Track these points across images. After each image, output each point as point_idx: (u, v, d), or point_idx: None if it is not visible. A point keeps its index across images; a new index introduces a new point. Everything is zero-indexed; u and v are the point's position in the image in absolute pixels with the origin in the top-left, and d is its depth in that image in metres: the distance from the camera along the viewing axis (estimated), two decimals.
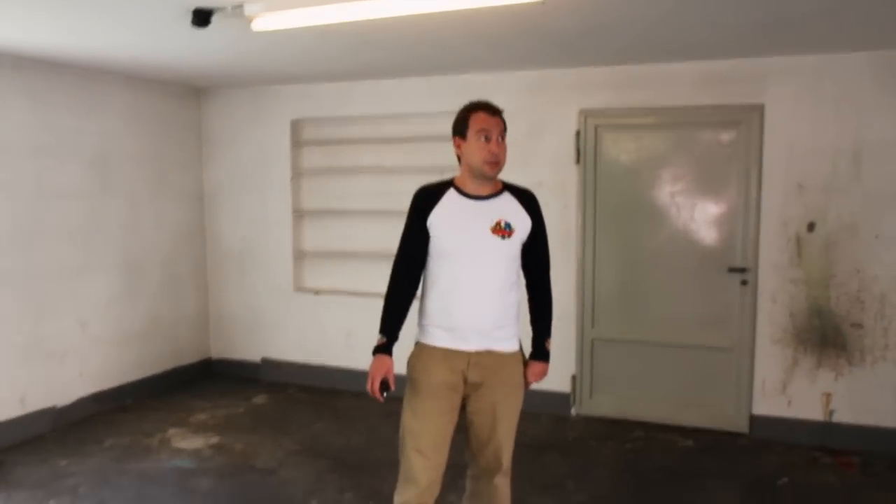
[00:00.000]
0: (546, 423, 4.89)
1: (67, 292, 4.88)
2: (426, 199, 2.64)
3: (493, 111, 2.62)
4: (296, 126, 5.73)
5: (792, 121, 4.38)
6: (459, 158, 2.67)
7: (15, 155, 4.49)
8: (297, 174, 5.75)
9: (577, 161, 4.85)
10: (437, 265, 2.64)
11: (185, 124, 5.83)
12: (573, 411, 5.04)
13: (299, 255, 5.78)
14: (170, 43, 3.98)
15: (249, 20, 3.14)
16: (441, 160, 5.05)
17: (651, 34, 3.81)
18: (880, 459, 4.22)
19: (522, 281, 2.75)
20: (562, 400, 5.04)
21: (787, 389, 4.51)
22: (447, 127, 5.23)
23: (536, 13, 3.14)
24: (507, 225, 2.60)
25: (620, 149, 4.81)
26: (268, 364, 5.93)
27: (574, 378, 5.01)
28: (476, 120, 2.59)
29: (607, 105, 4.77)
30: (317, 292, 5.68)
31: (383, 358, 2.57)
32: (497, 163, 2.57)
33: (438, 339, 2.62)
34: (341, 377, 5.50)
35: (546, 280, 2.81)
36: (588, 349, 4.96)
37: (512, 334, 2.66)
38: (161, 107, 5.57)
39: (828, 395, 4.43)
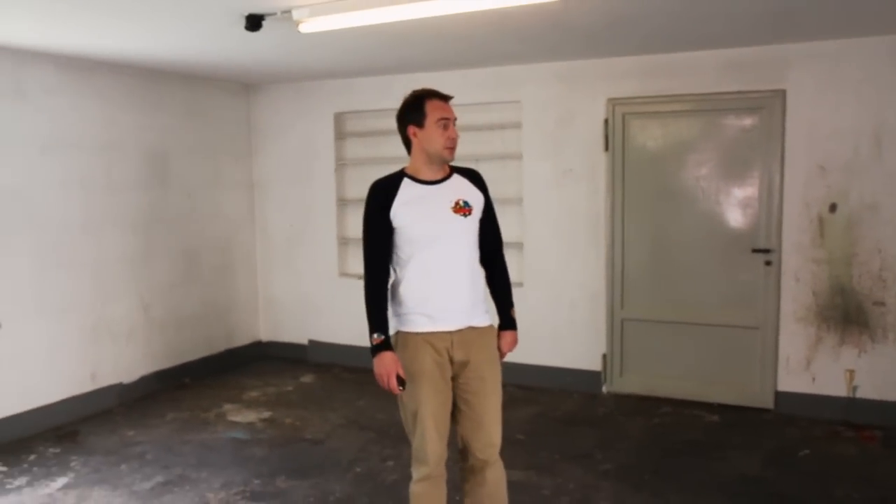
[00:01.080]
0: (578, 400, 5.13)
1: (132, 277, 5.28)
2: (384, 192, 2.68)
3: (446, 98, 2.70)
4: (338, 119, 6.04)
5: (813, 105, 4.52)
6: (408, 147, 2.73)
7: (86, 151, 4.90)
8: (341, 164, 6.07)
9: (606, 148, 5.05)
10: (406, 254, 2.69)
11: (236, 119, 6.19)
12: (604, 389, 5.26)
13: (343, 242, 6.09)
14: (223, 45, 4.32)
15: (297, 23, 3.44)
16: (477, 149, 5.35)
17: (673, 24, 4.00)
18: None
19: None
20: (593, 378, 5.26)
21: (812, 366, 4.67)
22: (482, 117, 5.56)
23: (559, 10, 3.36)
24: (466, 203, 2.70)
25: (647, 135, 5.00)
26: (314, 345, 6.27)
27: (605, 357, 5.23)
28: (434, 108, 2.65)
29: (634, 93, 4.96)
30: (360, 277, 5.97)
31: (388, 355, 2.63)
32: (455, 148, 2.69)
33: (420, 325, 2.69)
34: None
35: (501, 252, 2.91)
36: (618, 329, 5.17)
37: (485, 309, 2.79)
38: (213, 103, 5.94)
39: (851, 372, 4.57)
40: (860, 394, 4.56)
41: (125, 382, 5.25)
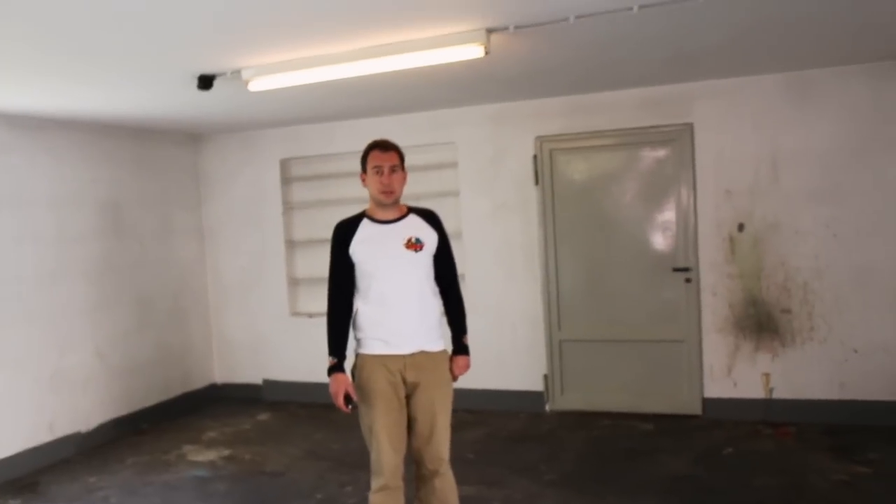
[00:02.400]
0: (523, 419, 5.44)
1: (87, 326, 5.41)
2: (344, 231, 3.06)
3: (385, 148, 3.04)
4: (284, 164, 6.33)
5: (717, 135, 5.02)
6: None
7: (38, 206, 5.05)
8: (288, 208, 6.34)
9: (536, 182, 5.46)
10: (364, 285, 3.03)
11: (185, 169, 6.42)
12: (547, 407, 5.59)
13: (293, 282, 6.33)
14: (174, 101, 4.59)
15: (246, 82, 3.74)
16: (416, 189, 5.64)
17: (589, 70, 4.44)
18: (814, 427, 4.80)
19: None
20: (537, 398, 5.59)
21: (732, 373, 5.10)
22: (421, 158, 5.94)
23: (483, 63, 3.75)
24: (418, 240, 3.03)
25: (573, 169, 5.43)
26: (269, 384, 6.45)
27: (546, 377, 5.57)
28: (371, 157, 3.03)
29: (559, 131, 5.40)
30: (311, 315, 6.20)
31: (340, 376, 2.97)
32: (391, 192, 3.00)
33: (376, 348, 3.01)
34: None
35: (456, 284, 3.21)
36: (557, 350, 5.53)
37: (438, 335, 3.08)
38: (162, 154, 6.16)
39: (767, 375, 5.02)
40: (776, 394, 5.01)
41: (83, 431, 5.34)
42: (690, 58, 4.26)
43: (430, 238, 3.10)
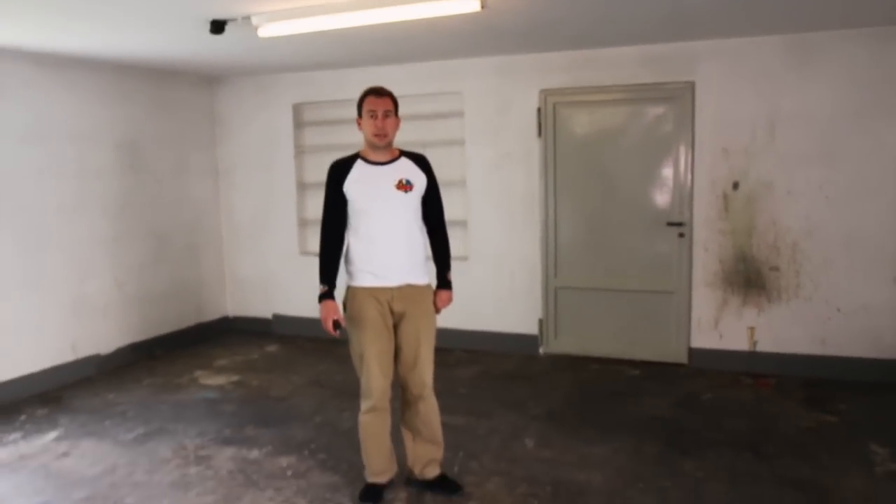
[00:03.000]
0: (517, 360, 5.71)
1: (106, 257, 5.71)
2: (339, 170, 3.24)
3: (379, 94, 3.20)
4: (297, 109, 6.51)
5: (718, 95, 5.12)
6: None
7: (59, 141, 5.30)
8: (300, 151, 6.55)
9: (539, 134, 5.62)
10: (356, 222, 3.24)
11: (201, 110, 6.63)
12: (541, 350, 5.85)
13: (303, 223, 6.58)
14: (189, 44, 4.77)
15: (256, 28, 3.92)
16: (423, 136, 5.88)
17: (592, 25, 4.54)
18: (793, 380, 5.02)
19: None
20: (531, 341, 5.85)
21: (719, 325, 5.31)
22: (428, 107, 6.09)
23: (482, 16, 3.88)
24: (408, 181, 3.24)
25: (575, 122, 5.57)
26: (278, 319, 6.76)
27: (541, 321, 5.82)
28: (366, 102, 3.19)
29: (564, 85, 5.52)
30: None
31: (329, 303, 3.23)
32: (385, 134, 3.17)
33: (366, 280, 3.24)
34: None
35: (442, 224, 3.43)
36: (552, 296, 5.76)
37: (423, 271, 3.32)
38: (179, 95, 6.37)
39: (752, 329, 5.22)
40: (760, 348, 5.22)
41: (103, 353, 5.69)
42: (691, 16, 4.33)
43: (420, 180, 3.30)
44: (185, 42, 4.69)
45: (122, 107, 5.78)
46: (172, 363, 5.88)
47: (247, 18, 3.87)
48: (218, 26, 3.93)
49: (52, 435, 4.36)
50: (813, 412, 4.45)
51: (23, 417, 4.67)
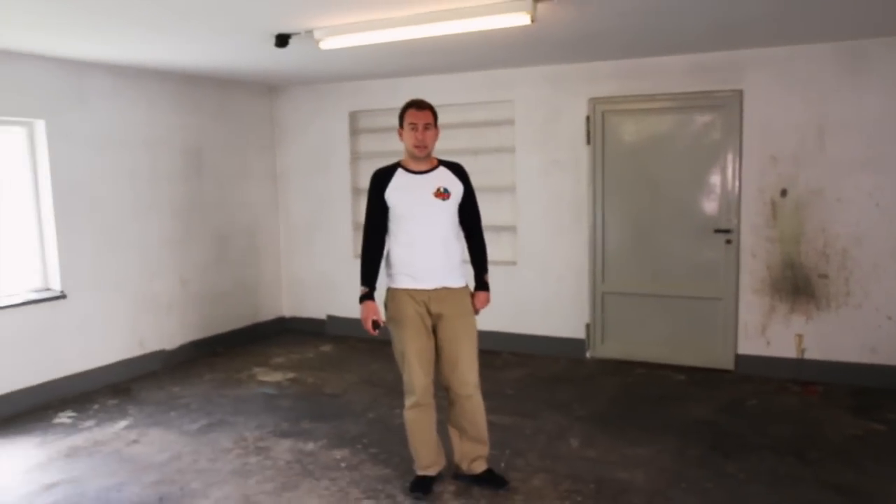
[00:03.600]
0: (564, 364, 5.82)
1: (173, 257, 6.03)
2: (381, 179, 3.43)
3: (420, 107, 3.36)
4: (353, 116, 6.75)
5: (766, 103, 5.16)
6: None
7: (135, 147, 5.65)
8: (355, 157, 6.78)
9: (588, 142, 5.72)
10: (397, 227, 3.43)
11: (261, 117, 6.93)
12: (588, 354, 5.94)
13: (357, 227, 6.79)
14: (254, 56, 5.04)
15: (318, 42, 4.15)
16: (476, 143, 6.06)
17: (638, 37, 4.65)
18: (841, 388, 5.01)
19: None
20: (578, 345, 5.95)
21: (766, 332, 5.33)
22: (480, 115, 6.27)
23: (535, 28, 4.03)
24: (446, 189, 3.41)
25: (624, 130, 5.66)
26: (332, 320, 7.00)
27: (588, 326, 5.91)
28: (407, 115, 3.36)
29: (612, 93, 5.63)
30: None
31: (370, 304, 3.43)
32: (424, 146, 3.34)
33: (404, 282, 3.42)
34: None
35: (479, 229, 3.59)
36: (599, 301, 5.85)
37: (460, 274, 3.47)
38: (241, 104, 6.67)
39: (800, 336, 5.23)
40: (808, 355, 5.22)
41: (168, 349, 6.01)
42: (738, 26, 4.38)
43: (457, 188, 3.47)
44: (249, 54, 4.96)
45: (189, 114, 6.11)
46: (232, 360, 6.16)
47: (309, 32, 4.10)
48: (282, 40, 4.18)
49: (123, 423, 4.66)
50: (860, 420, 4.45)
51: (96, 406, 4.98)
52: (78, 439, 4.39)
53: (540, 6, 3.55)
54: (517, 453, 4.00)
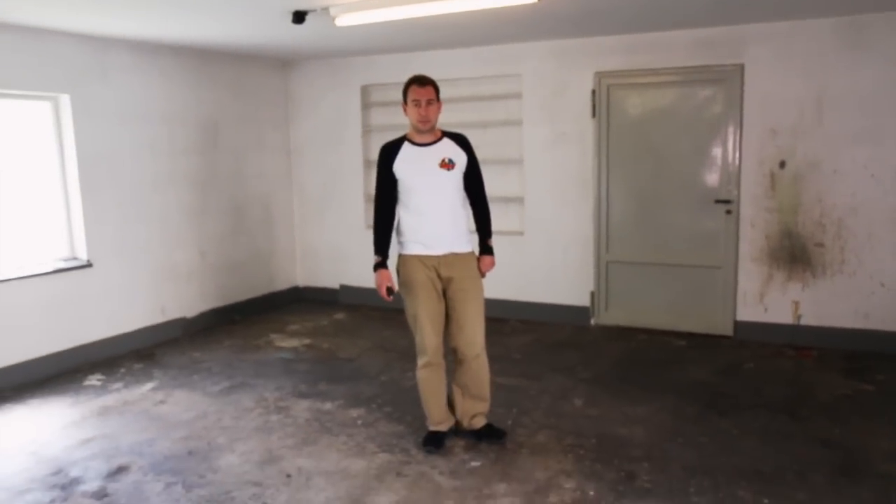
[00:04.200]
0: (569, 330, 6.04)
1: (191, 228, 6.25)
2: (389, 152, 3.63)
3: (422, 83, 3.53)
4: (365, 90, 6.91)
5: (767, 77, 5.30)
6: None
7: (153, 122, 5.84)
8: (367, 130, 6.96)
9: (593, 115, 5.88)
10: (406, 198, 3.63)
11: (275, 92, 7.10)
12: (592, 321, 6.16)
13: (369, 199, 6.98)
14: (271, 32, 5.20)
15: (334, 18, 4.31)
16: (484, 116, 6.22)
17: (642, 12, 4.78)
18: (835, 352, 5.22)
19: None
20: (583, 312, 6.17)
21: (764, 299, 5.52)
22: (488, 89, 6.42)
23: (540, 5, 4.17)
24: (450, 160, 3.60)
25: (628, 104, 5.82)
26: (345, 289, 7.23)
27: (592, 294, 6.12)
28: (410, 91, 3.54)
29: (617, 67, 5.77)
30: None
31: (384, 271, 3.64)
32: (427, 120, 3.52)
33: (415, 249, 3.63)
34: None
35: (483, 196, 3.78)
36: (604, 270, 6.05)
37: (466, 240, 3.68)
38: (256, 78, 6.84)
39: (796, 303, 5.42)
40: (804, 321, 5.42)
41: (188, 316, 6.25)
42: (739, 2, 4.50)
43: (461, 158, 3.65)
44: (266, 30, 5.12)
45: (205, 89, 6.29)
46: (249, 327, 6.41)
47: (325, 9, 4.26)
48: (299, 17, 4.34)
49: (149, 385, 4.91)
50: (851, 381, 4.66)
51: (122, 370, 5.24)
52: (108, 400, 4.65)
53: None
54: (523, 412, 4.24)
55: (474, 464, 3.61)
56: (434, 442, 3.79)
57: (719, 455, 3.64)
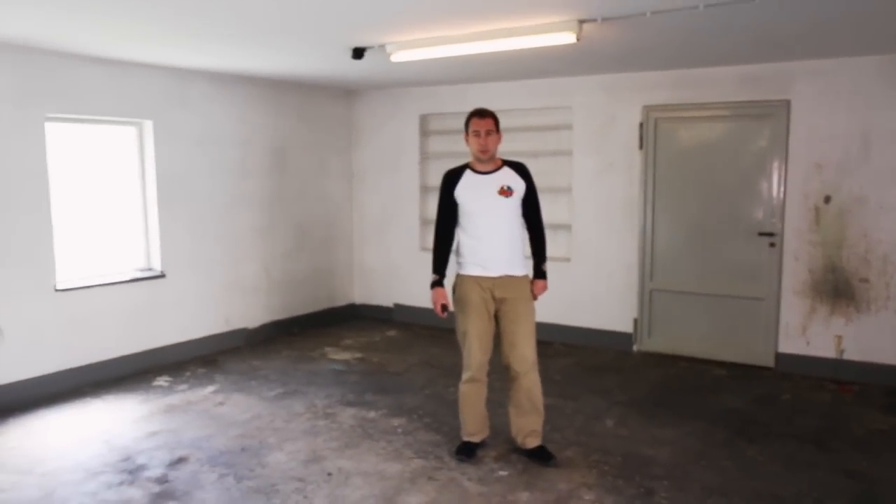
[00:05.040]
0: (611, 355, 6.18)
1: (257, 245, 6.70)
2: (451, 179, 3.90)
3: (482, 115, 3.80)
4: (423, 119, 7.28)
5: (812, 112, 5.39)
6: None
7: (227, 146, 6.33)
8: (424, 157, 7.31)
9: (641, 147, 6.07)
10: (466, 222, 3.89)
11: (339, 119, 7.55)
12: (635, 348, 6.28)
13: (424, 222, 7.33)
14: (334, 66, 5.63)
15: (389, 55, 4.68)
16: (535, 146, 6.49)
17: (684, 51, 4.98)
18: (878, 388, 5.20)
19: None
20: (626, 338, 6.30)
21: (807, 332, 5.55)
22: (540, 120, 6.70)
23: (582, 44, 4.43)
24: (509, 187, 3.82)
25: (675, 136, 5.98)
26: (399, 308, 7.55)
27: (636, 321, 6.25)
28: (472, 123, 3.81)
29: (665, 101, 5.95)
30: None
31: (440, 290, 3.93)
32: (486, 150, 3.77)
33: (472, 270, 3.87)
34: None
35: (539, 223, 3.99)
36: (647, 297, 6.19)
37: (521, 264, 3.89)
38: (321, 107, 7.30)
39: (839, 337, 5.43)
40: (846, 356, 5.42)
41: (250, 327, 6.68)
42: (785, 39, 4.62)
43: (519, 186, 3.89)
44: (329, 63, 5.54)
45: (275, 116, 6.76)
46: (306, 340, 6.78)
47: (382, 47, 4.63)
48: (358, 53, 4.73)
49: (211, 388, 5.31)
50: (889, 417, 4.67)
51: (188, 374, 5.67)
52: (174, 399, 5.07)
53: (585, 26, 3.96)
54: (556, 429, 4.42)
55: (502, 473, 3.83)
56: (466, 451, 4.02)
57: (740, 479, 3.76)
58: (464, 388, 4.02)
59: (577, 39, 4.01)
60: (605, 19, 3.87)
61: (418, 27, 4.19)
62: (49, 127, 5.12)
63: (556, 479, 3.74)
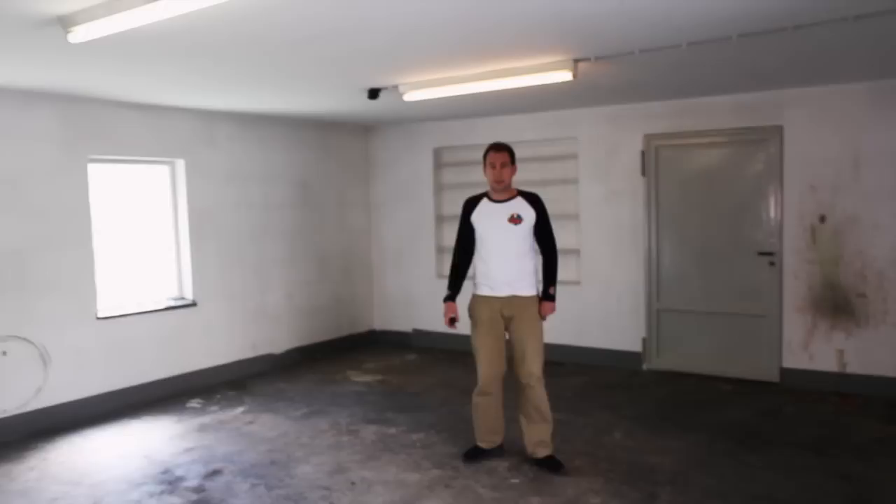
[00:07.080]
0: (621, 374, 6.42)
1: (281, 274, 7.05)
2: (470, 205, 4.27)
3: (498, 149, 4.14)
4: (437, 152, 7.65)
5: (805, 137, 5.67)
6: None
7: (252, 181, 6.73)
8: (439, 188, 7.66)
9: (643, 174, 6.37)
10: (480, 246, 4.24)
11: (357, 154, 7.94)
12: (644, 366, 6.52)
13: (440, 250, 7.65)
14: (351, 105, 6.02)
15: (402, 94, 5.05)
16: (543, 175, 6.80)
17: (680, 83, 5.30)
18: (880, 400, 5.39)
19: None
20: (635, 357, 6.54)
21: (809, 347, 5.76)
22: (547, 150, 7.04)
23: (581, 80, 4.77)
24: (518, 216, 4.13)
25: (675, 163, 6.28)
26: (417, 333, 7.85)
27: (644, 340, 6.50)
28: (488, 156, 4.16)
29: (665, 130, 6.26)
30: None
31: (451, 304, 4.27)
32: (501, 181, 4.12)
33: (483, 290, 4.21)
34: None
35: (550, 249, 4.25)
36: (655, 318, 6.44)
37: (529, 285, 4.17)
38: (340, 142, 7.70)
39: (841, 351, 5.64)
40: (849, 369, 5.62)
41: (276, 353, 7.01)
42: (774, 70, 4.91)
43: (529, 215, 4.19)
44: (347, 103, 5.94)
45: (297, 152, 7.17)
46: (329, 364, 7.09)
47: (395, 87, 5.00)
48: (373, 93, 5.11)
49: (240, 409, 5.63)
50: (888, 426, 4.86)
51: (218, 396, 6.00)
52: (206, 419, 5.39)
53: (580, 65, 4.31)
54: (565, 441, 4.67)
55: (514, 480, 4.09)
56: (474, 454, 4.36)
57: (739, 483, 3.98)
58: (476, 399, 4.35)
59: (574, 77, 4.35)
60: (598, 58, 4.22)
61: (427, 69, 4.57)
62: (91, 168, 5.55)
63: (564, 486, 4.00)
